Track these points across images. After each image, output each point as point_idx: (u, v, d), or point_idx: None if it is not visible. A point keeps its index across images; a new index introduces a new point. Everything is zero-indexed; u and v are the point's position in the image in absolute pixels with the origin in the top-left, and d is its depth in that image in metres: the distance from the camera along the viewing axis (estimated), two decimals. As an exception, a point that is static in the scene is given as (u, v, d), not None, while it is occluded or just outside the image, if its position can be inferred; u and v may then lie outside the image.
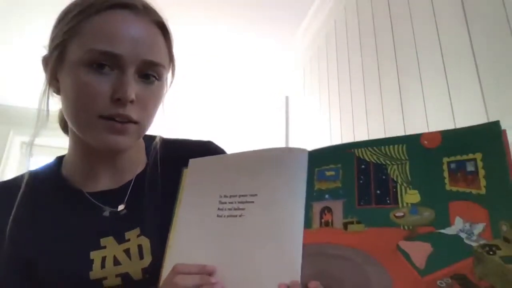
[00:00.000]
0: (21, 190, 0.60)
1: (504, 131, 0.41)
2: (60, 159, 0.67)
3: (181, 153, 0.65)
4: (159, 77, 0.58)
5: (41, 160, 0.76)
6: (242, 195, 0.53)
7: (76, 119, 0.57)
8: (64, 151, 0.69)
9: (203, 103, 3.33)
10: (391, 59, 1.45)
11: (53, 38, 0.58)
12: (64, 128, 0.67)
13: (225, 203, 0.54)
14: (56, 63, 0.57)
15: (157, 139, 0.68)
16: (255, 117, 3.50)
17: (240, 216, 0.52)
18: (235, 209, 0.52)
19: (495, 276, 0.36)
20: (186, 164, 0.62)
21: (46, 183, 0.64)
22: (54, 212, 0.60)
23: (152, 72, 0.57)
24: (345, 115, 1.80)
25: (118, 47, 0.53)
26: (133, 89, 0.54)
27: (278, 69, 2.78)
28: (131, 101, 0.54)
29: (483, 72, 1.01)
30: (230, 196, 0.54)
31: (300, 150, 0.52)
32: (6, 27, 2.33)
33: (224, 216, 0.53)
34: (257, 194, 0.52)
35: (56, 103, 0.62)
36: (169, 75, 0.64)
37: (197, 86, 3.03)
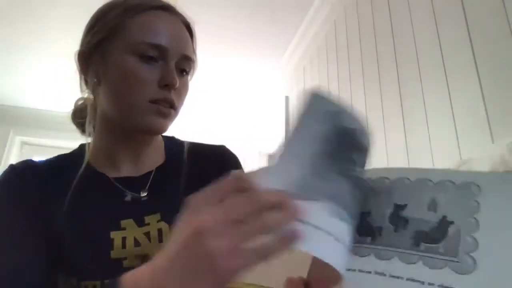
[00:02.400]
0: (82, 169, 0.64)
1: None
2: (83, 146, 0.71)
3: (196, 155, 0.73)
4: (189, 72, 0.67)
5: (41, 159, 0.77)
6: None
7: (123, 103, 0.62)
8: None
9: (203, 103, 3.33)
10: (391, 59, 1.46)
11: (94, 34, 0.63)
12: (78, 125, 0.71)
13: None
14: (100, 56, 0.63)
15: (186, 143, 0.76)
16: (255, 117, 3.50)
17: None
18: None
19: None
20: (203, 163, 0.71)
21: (73, 165, 0.67)
22: (79, 192, 0.64)
23: (187, 67, 0.65)
24: (345, 115, 1.80)
25: (165, 41, 0.61)
26: (177, 77, 0.61)
27: (278, 69, 2.78)
28: (175, 88, 0.61)
29: (483, 72, 1.01)
30: None
31: None
32: (7, 26, 2.33)
33: None
34: None
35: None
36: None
37: (197, 86, 3.02)
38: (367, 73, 1.64)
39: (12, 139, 3.45)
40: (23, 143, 3.56)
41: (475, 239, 0.39)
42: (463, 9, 1.10)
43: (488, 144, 0.94)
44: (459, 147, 1.06)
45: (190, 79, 0.70)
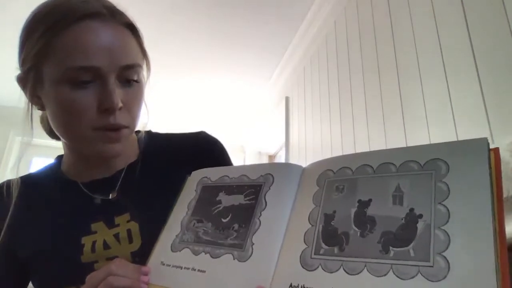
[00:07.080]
0: (15, 193, 0.65)
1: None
2: (60, 157, 0.72)
3: (172, 146, 0.70)
4: (138, 78, 0.60)
5: (41, 160, 0.79)
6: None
7: (68, 134, 0.59)
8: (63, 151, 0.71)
9: (202, 103, 3.33)
10: (391, 59, 1.45)
11: (24, 59, 0.58)
12: (50, 132, 0.69)
13: None
14: (34, 83, 0.58)
15: (141, 134, 0.72)
16: (255, 117, 3.50)
17: None
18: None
19: None
20: (178, 154, 0.69)
21: (46, 179, 0.68)
22: (51, 204, 0.65)
23: (131, 77, 0.58)
24: (345, 114, 1.80)
25: (95, 60, 0.53)
26: (118, 96, 0.55)
27: (278, 70, 2.78)
28: (119, 108, 0.56)
29: (483, 72, 1.01)
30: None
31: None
32: (7, 26, 2.33)
33: None
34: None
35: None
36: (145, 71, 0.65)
37: (197, 86, 3.03)
38: (367, 73, 1.64)
39: (12, 140, 3.45)
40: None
41: (446, 233, 0.36)
42: (463, 9, 1.10)
43: (488, 144, 0.94)
44: (459, 147, 1.06)
45: (148, 76, 0.64)
